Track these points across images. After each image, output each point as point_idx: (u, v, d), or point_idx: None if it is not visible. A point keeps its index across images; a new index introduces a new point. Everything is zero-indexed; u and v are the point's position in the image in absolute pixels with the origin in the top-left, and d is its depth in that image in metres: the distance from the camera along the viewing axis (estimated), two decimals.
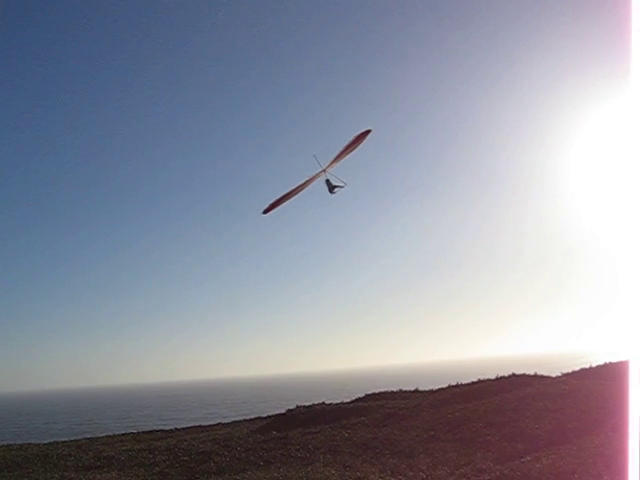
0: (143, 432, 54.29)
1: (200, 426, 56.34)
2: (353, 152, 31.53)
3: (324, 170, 31.88)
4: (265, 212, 33.95)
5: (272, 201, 32.84)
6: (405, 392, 51.54)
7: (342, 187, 33.31)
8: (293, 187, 32.52)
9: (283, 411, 47.59)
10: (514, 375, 44.42)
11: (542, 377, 43.96)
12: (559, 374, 44.41)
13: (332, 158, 31.63)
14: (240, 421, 56.90)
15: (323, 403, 47.41)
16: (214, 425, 55.88)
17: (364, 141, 30.56)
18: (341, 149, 31.03)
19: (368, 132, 30.83)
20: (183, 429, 53.74)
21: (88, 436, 59.01)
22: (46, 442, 50.27)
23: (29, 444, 46.69)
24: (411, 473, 21.33)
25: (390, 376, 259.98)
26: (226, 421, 60.53)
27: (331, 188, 33.18)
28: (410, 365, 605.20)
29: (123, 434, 54.37)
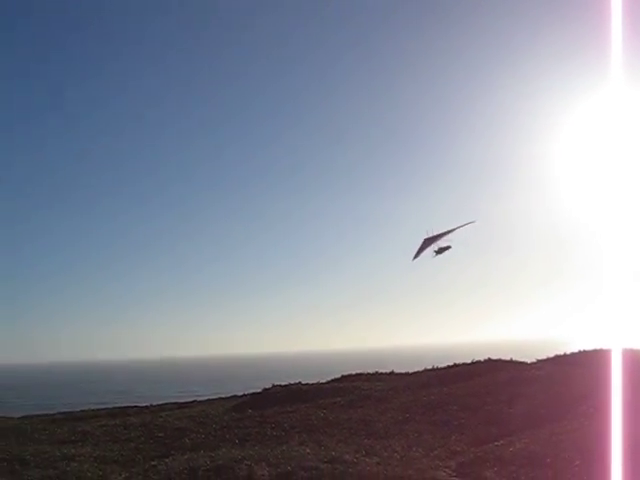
0: (118, 408, 54.15)
1: (175, 403, 56.24)
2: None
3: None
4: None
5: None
6: (381, 374, 51.79)
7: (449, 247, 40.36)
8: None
9: (259, 390, 47.64)
10: (490, 360, 44.85)
11: (517, 362, 44.40)
12: (534, 360, 44.82)
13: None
14: (216, 399, 56.86)
15: (299, 383, 47.54)
16: (190, 402, 55.79)
17: None
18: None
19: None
20: (158, 405, 53.61)
21: (62, 411, 58.84)
22: (19, 416, 50.08)
23: (2, 417, 46.49)
24: (386, 454, 21.49)
25: (366, 358, 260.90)
26: (202, 399, 60.53)
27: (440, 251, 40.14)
28: (387, 348, 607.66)
29: (98, 409, 54.21)
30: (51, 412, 56.16)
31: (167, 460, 22.44)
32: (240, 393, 57.86)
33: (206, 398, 60.88)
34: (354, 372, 54.91)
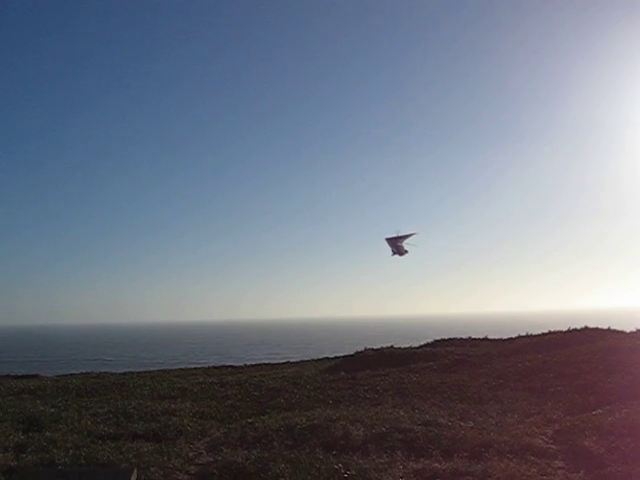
0: (214, 367, 55.76)
1: (269, 364, 57.45)
2: None
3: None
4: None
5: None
6: (474, 340, 51.34)
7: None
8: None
9: (351, 353, 48.01)
10: (587, 328, 43.68)
11: (616, 331, 43.03)
12: (633, 330, 43.38)
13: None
14: (308, 361, 57.72)
15: (392, 347, 47.65)
16: (282, 364, 56.88)
17: None
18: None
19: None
20: (252, 366, 54.89)
21: (160, 368, 61.01)
22: (121, 372, 52.20)
23: (105, 373, 48.56)
24: (480, 419, 21.33)
25: (458, 324, 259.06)
26: (293, 360, 61.51)
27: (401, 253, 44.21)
28: (478, 314, 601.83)
29: (194, 368, 56.02)
30: (150, 369, 58.39)
31: (263, 418, 22.99)
32: (332, 356, 58.58)
33: (298, 360, 61.89)
34: (447, 337, 54.69)
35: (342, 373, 37.31)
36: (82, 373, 51.23)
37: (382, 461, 16.13)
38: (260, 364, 57.94)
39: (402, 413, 22.04)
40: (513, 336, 50.31)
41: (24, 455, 17.66)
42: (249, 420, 23.05)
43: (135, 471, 10.86)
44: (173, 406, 26.05)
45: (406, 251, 44.59)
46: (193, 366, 60.15)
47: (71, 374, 50.94)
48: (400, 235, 43.91)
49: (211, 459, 17.59)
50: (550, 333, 46.18)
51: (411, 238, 44.28)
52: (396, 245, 44.11)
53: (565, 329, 45.77)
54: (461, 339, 52.26)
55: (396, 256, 44.58)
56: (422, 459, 16.36)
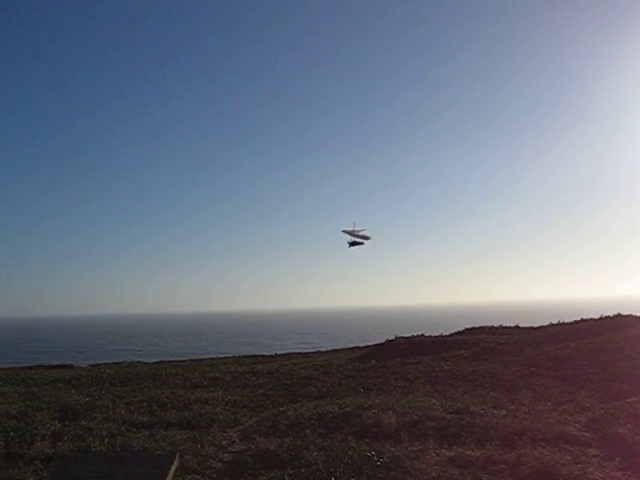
0: (245, 356, 56.14)
1: (300, 353, 57.71)
2: None
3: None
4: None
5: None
6: (505, 328, 51.13)
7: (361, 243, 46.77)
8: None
9: (382, 341, 48.05)
10: (620, 315, 43.25)
11: None
12: None
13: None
14: (338, 350, 57.89)
15: (422, 335, 47.60)
16: (313, 352, 57.10)
17: None
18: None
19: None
20: (283, 355, 55.19)
21: (192, 357, 61.49)
22: (153, 361, 52.76)
23: (138, 362, 49.14)
24: (513, 407, 21.25)
25: (488, 312, 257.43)
26: (323, 349, 61.71)
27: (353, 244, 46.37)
28: (508, 302, 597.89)
29: (225, 357, 56.38)
30: (181, 359, 58.90)
31: (295, 406, 23.10)
32: (362, 345, 58.68)
33: (328, 349, 62.09)
34: (478, 325, 54.49)
35: (373, 361, 37.37)
36: (114, 363, 51.93)
37: (415, 449, 16.11)
38: (291, 353, 58.28)
39: (434, 401, 22.04)
40: (544, 324, 49.97)
41: (61, 443, 17.94)
42: (281, 408, 23.17)
43: (177, 456, 10.99)
44: (206, 395, 26.32)
45: (361, 243, 47.07)
46: (224, 355, 60.59)
47: (104, 363, 51.61)
48: (355, 229, 46.53)
49: (244, 447, 17.72)
50: (582, 321, 45.80)
51: (365, 233, 46.89)
52: (354, 235, 46.71)
53: (597, 317, 45.39)
54: (492, 327, 52.09)
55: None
56: (455, 447, 16.32)
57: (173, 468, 10.25)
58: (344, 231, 46.31)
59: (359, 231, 46.02)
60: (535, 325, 51.54)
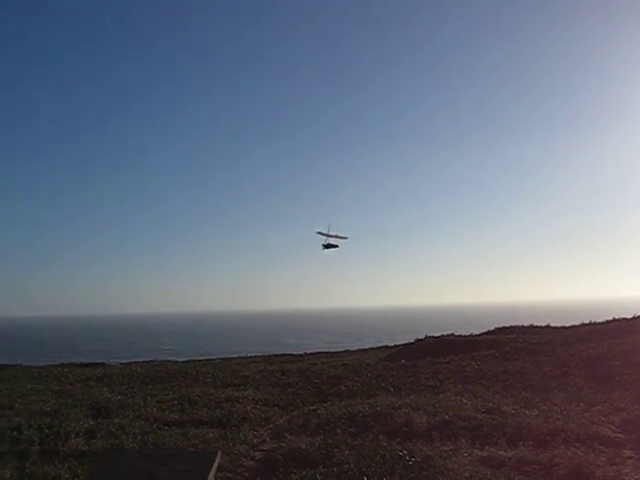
0: (274, 355, 56.33)
1: (329, 352, 57.79)
2: None
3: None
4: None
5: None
6: (537, 327, 50.75)
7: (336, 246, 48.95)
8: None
9: (411, 341, 47.92)
10: None
11: None
12: None
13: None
14: (367, 349, 57.88)
15: (452, 335, 47.39)
16: (342, 352, 57.12)
17: None
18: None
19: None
20: (312, 354, 55.27)
21: (222, 356, 61.84)
22: (183, 360, 53.14)
23: (168, 361, 49.55)
24: (545, 407, 21.04)
25: (519, 312, 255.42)
26: (352, 349, 61.69)
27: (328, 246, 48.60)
28: (536, 302, 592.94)
29: (254, 356, 56.62)
30: (211, 357, 59.28)
31: (326, 405, 23.11)
32: (391, 344, 58.57)
33: (357, 348, 62.05)
34: (508, 325, 54.13)
35: (402, 361, 37.28)
36: (145, 361, 52.42)
37: (446, 448, 16.02)
38: (320, 352, 58.40)
39: (465, 401, 21.90)
40: (576, 324, 49.49)
41: (94, 440, 18.07)
42: (311, 407, 23.22)
43: (219, 454, 11.03)
44: (236, 393, 26.41)
45: (336, 245, 49.05)
46: (253, 354, 60.85)
47: (135, 362, 52.12)
48: (330, 233, 48.27)
49: (275, 445, 17.76)
50: (615, 320, 45.27)
51: (339, 234, 48.77)
52: (328, 237, 48.40)
53: (630, 317, 44.89)
54: (522, 327, 51.72)
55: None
56: (487, 447, 16.20)
57: (215, 465, 10.29)
58: (319, 233, 46.86)
59: (334, 235, 47.36)
60: (566, 325, 51.05)
